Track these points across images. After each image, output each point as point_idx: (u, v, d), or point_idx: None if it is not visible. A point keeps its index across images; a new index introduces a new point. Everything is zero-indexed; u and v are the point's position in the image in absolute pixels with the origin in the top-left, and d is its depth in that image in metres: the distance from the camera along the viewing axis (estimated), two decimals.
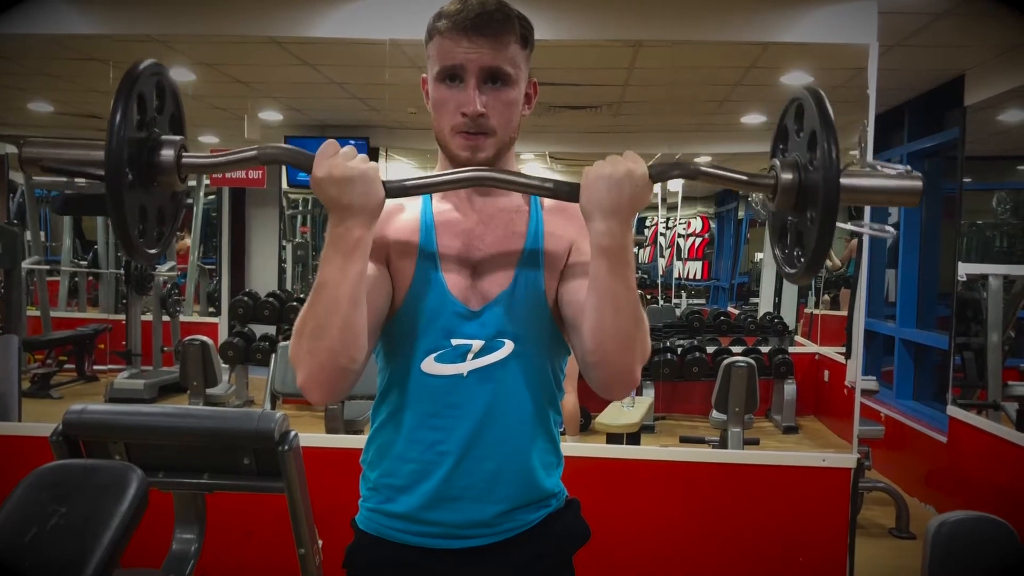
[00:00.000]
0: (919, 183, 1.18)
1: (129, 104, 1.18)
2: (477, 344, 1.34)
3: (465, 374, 1.34)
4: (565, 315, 1.36)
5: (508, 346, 1.34)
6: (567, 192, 1.27)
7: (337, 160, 1.19)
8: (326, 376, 1.24)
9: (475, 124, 1.31)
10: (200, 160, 1.27)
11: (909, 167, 1.20)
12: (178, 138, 1.26)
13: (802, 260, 1.22)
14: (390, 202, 1.40)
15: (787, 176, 1.20)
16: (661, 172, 1.24)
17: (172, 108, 1.32)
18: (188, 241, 7.99)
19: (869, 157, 3.57)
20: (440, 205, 1.40)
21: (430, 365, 1.34)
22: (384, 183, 1.23)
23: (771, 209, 1.26)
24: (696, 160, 8.09)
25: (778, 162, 1.21)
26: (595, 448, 3.64)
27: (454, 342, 1.34)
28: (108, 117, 1.16)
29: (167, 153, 1.25)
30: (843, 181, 1.11)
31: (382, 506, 1.40)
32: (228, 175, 5.42)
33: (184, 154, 1.25)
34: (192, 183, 8.08)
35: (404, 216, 1.39)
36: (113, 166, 1.16)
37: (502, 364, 1.34)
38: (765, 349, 6.49)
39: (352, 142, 5.35)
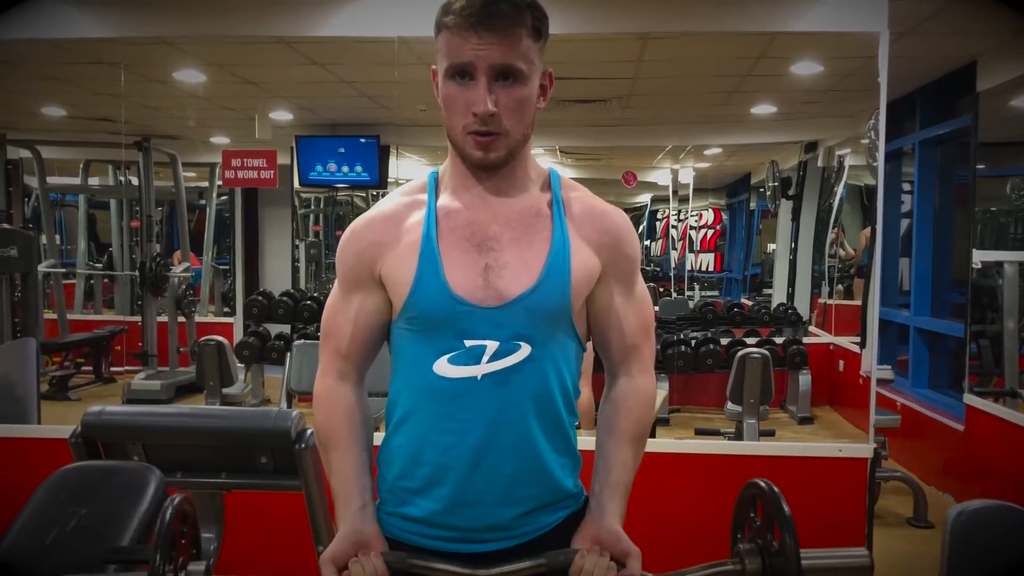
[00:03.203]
0: (868, 559, 1.35)
1: (166, 552, 1.25)
2: (492, 345, 1.30)
3: (479, 377, 1.30)
4: (593, 333, 1.44)
5: (525, 349, 1.31)
6: (560, 565, 1.30)
7: None
8: None
9: (486, 124, 1.26)
10: None
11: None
12: (202, 565, 1.33)
13: None
14: (393, 206, 1.40)
15: (753, 564, 1.32)
16: None
17: (192, 531, 1.37)
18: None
19: (881, 145, 3.55)
20: (451, 203, 1.37)
21: (443, 367, 1.31)
22: (388, 565, 1.28)
23: None
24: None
25: (741, 548, 1.34)
26: None
27: (468, 343, 1.30)
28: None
29: None
30: (804, 564, 1.27)
31: (399, 509, 1.38)
32: (240, 176, 5.43)
33: None
34: (204, 184, 8.13)
35: (407, 220, 1.37)
36: None
37: (517, 368, 1.31)
38: (779, 340, 6.47)
39: (363, 140, 5.32)
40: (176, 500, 1.23)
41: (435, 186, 1.40)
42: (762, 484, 1.31)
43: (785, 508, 1.29)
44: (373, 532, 1.33)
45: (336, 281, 1.43)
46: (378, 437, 1.46)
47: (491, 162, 1.31)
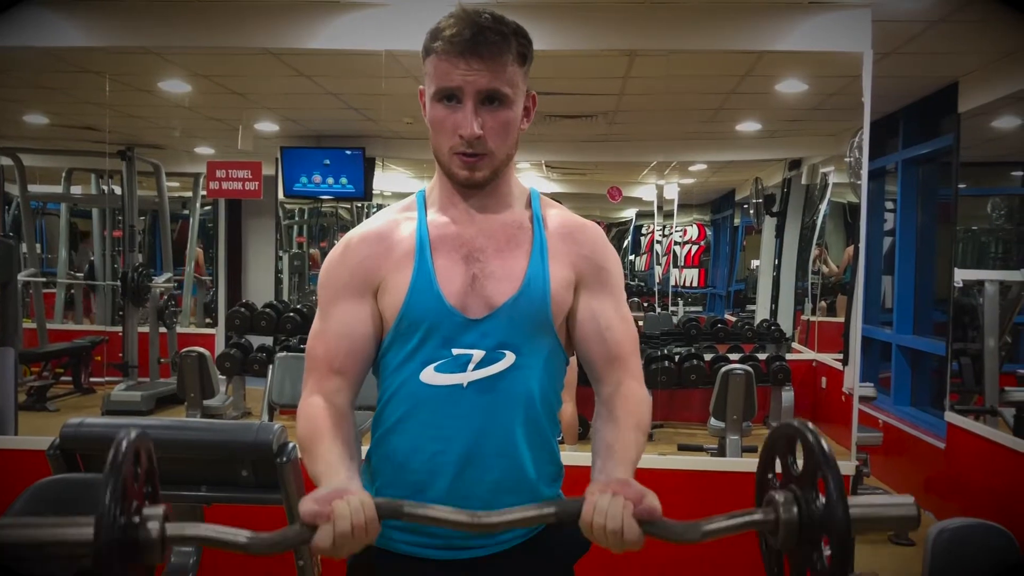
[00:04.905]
0: (914, 508, 1.15)
1: (116, 489, 1.02)
2: (478, 354, 1.34)
3: (465, 385, 1.34)
4: (576, 346, 1.44)
5: (509, 358, 1.35)
6: (569, 520, 1.18)
7: (342, 551, 1.12)
8: None
9: (472, 145, 1.32)
10: (185, 533, 1.10)
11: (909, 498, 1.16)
12: (160, 509, 1.10)
13: None
14: (385, 222, 1.42)
15: (790, 513, 1.14)
16: (662, 535, 1.18)
17: (147, 467, 1.14)
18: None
19: (864, 163, 3.58)
20: (438, 218, 1.41)
21: (430, 375, 1.35)
22: (378, 508, 1.14)
23: (774, 546, 1.19)
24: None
25: (775, 496, 1.16)
26: None
27: (455, 352, 1.35)
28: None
29: (152, 527, 1.07)
30: (852, 512, 1.07)
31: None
32: (225, 187, 5.40)
33: (168, 525, 1.08)
34: (188, 194, 8.09)
35: (399, 234, 1.41)
36: (106, 564, 1.01)
37: (502, 376, 1.35)
38: (762, 356, 6.48)
39: (348, 152, 5.30)
40: (133, 435, 1.06)
41: (423, 203, 1.44)
42: (796, 424, 1.14)
43: (827, 447, 1.10)
44: (359, 490, 1.19)
45: (322, 304, 1.42)
46: (362, 450, 1.46)
47: (476, 182, 1.35)
